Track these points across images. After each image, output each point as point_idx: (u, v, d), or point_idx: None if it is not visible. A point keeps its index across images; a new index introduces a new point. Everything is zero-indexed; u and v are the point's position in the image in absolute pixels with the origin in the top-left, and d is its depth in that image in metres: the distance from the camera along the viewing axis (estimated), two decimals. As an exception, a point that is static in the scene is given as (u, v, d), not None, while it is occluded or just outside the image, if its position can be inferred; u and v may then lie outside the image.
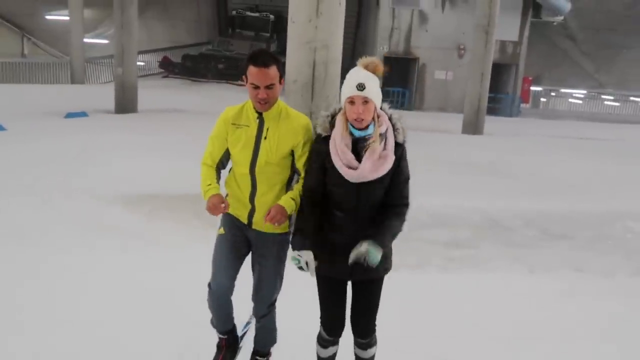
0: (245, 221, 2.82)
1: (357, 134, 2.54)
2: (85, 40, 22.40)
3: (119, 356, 3.20)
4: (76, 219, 5.46)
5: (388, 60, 22.09)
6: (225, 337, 3.04)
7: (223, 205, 2.67)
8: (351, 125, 2.54)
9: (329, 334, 2.79)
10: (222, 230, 2.92)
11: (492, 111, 18.80)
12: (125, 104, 13.47)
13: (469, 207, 6.52)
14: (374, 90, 2.50)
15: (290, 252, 2.70)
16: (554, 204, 7.28)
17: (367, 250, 2.47)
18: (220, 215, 2.84)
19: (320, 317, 2.80)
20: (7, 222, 5.29)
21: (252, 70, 2.62)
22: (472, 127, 14.41)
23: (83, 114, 12.55)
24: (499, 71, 21.23)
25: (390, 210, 2.60)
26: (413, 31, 22.17)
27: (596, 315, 4.11)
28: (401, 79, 22.37)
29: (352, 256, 2.50)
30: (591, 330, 3.87)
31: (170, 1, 27.07)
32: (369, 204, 2.58)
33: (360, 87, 2.47)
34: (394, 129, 2.59)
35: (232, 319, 3.02)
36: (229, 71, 23.04)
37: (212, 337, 3.06)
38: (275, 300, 2.92)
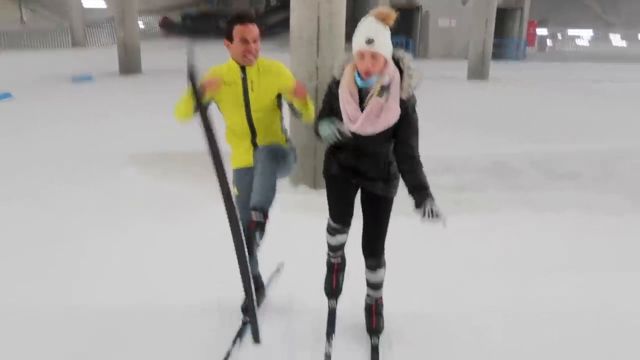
0: (251, 164, 2.98)
1: (360, 84, 2.59)
2: (84, 3, 22.18)
3: (148, 310, 3.37)
4: (93, 182, 5.61)
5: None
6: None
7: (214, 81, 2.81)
8: (357, 74, 2.60)
9: (336, 220, 2.88)
10: (236, 191, 3.11)
11: (497, 56, 18.60)
12: (130, 65, 13.48)
13: (475, 153, 6.63)
14: (383, 44, 2.51)
15: (321, 130, 2.70)
16: (559, 145, 7.37)
17: (433, 211, 2.46)
18: (232, 174, 3.02)
19: (329, 209, 2.90)
20: (25, 187, 5.43)
21: (239, 28, 2.87)
22: (478, 73, 14.33)
23: (89, 78, 12.59)
24: (504, 16, 20.89)
25: (405, 165, 2.62)
26: (415, -22, 21.75)
27: (602, 251, 4.23)
28: (405, 28, 22.06)
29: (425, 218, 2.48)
30: (598, 263, 4.03)
31: (167, -41, 26.57)
32: (369, 149, 2.70)
33: (369, 41, 2.49)
34: (402, 77, 2.59)
35: (256, 266, 3.24)
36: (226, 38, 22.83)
37: (238, 287, 3.24)
38: (267, 210, 2.83)
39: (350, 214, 2.87)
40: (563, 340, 3.02)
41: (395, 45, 2.64)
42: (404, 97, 2.57)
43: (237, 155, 3.11)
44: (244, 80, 2.97)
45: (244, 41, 2.87)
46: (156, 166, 6.13)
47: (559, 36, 29.12)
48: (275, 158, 2.93)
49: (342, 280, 3.13)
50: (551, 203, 5.21)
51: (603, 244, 4.37)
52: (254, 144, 3.04)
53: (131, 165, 6.14)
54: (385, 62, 2.56)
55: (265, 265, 3.42)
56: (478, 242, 4.38)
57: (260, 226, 2.71)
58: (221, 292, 3.35)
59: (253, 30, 2.89)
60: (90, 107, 8.92)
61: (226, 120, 3.09)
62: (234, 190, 3.12)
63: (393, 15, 2.53)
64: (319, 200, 5.13)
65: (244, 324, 3.19)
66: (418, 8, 21.96)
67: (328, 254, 3.10)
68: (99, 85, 11.69)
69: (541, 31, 26.98)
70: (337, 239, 2.97)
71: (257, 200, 2.75)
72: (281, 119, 3.15)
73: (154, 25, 24.95)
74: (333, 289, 3.11)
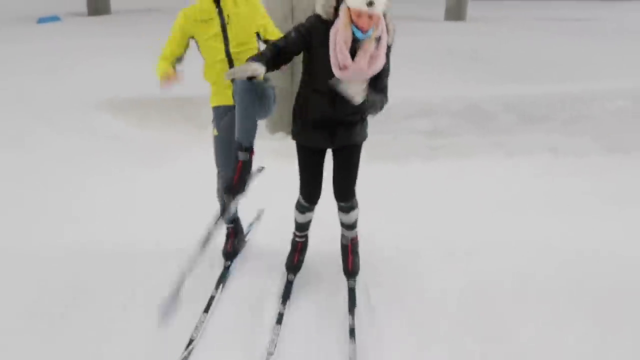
0: (231, 102, 3.00)
1: (360, 36, 2.61)
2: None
3: (132, 250, 3.46)
4: (68, 127, 5.56)
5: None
6: (232, 225, 3.39)
7: (173, 76, 2.90)
8: (354, 26, 2.60)
9: (306, 200, 3.03)
10: (215, 132, 3.16)
11: (476, -6, 18.28)
12: (98, 5, 12.98)
13: (451, 96, 6.67)
14: (382, 4, 2.54)
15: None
16: (533, 87, 7.43)
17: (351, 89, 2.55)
18: (212, 114, 3.13)
19: (300, 186, 3.03)
20: (4, 134, 5.36)
21: None
22: (455, 12, 14.13)
23: (56, 18, 12.11)
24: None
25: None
26: None
27: (566, 192, 4.43)
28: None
29: (337, 86, 2.58)
30: (562, 204, 4.21)
31: None
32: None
33: (370, 4, 2.51)
34: (387, 29, 2.68)
35: (236, 209, 3.31)
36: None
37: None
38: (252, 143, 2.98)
39: (319, 193, 3.01)
40: (532, 278, 3.20)
41: None
42: (389, 43, 2.68)
43: (216, 92, 3.11)
44: (220, 14, 2.94)
45: None
46: (131, 112, 6.06)
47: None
48: (255, 94, 2.88)
49: (303, 258, 3.29)
50: (523, 146, 5.35)
51: (569, 185, 4.55)
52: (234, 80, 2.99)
53: (106, 111, 6.06)
54: (379, 17, 2.62)
55: (244, 212, 3.50)
56: (453, 186, 4.52)
57: (247, 166, 2.83)
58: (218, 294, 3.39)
59: None
60: (58, 51, 8.64)
61: (205, 56, 3.07)
62: (213, 131, 3.19)
63: None
64: (278, 145, 5.17)
65: (226, 268, 3.30)
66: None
67: (294, 233, 3.25)
68: (67, 27, 11.27)
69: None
70: (305, 216, 3.12)
71: (239, 137, 2.82)
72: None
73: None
74: (294, 265, 3.26)
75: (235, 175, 2.84)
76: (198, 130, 5.54)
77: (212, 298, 3.04)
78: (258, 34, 3.03)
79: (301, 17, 5.27)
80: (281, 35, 2.84)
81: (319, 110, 2.79)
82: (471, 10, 14.40)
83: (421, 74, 8.01)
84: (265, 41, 3.04)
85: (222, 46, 2.96)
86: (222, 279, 3.22)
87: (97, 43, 9.15)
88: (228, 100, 3.05)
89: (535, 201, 4.28)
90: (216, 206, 3.17)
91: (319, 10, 2.67)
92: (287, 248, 3.30)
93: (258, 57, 2.64)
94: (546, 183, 4.64)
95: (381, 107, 2.76)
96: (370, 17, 2.56)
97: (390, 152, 5.20)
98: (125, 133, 5.47)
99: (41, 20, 11.87)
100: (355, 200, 3.04)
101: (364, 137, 2.92)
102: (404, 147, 5.41)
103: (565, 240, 3.63)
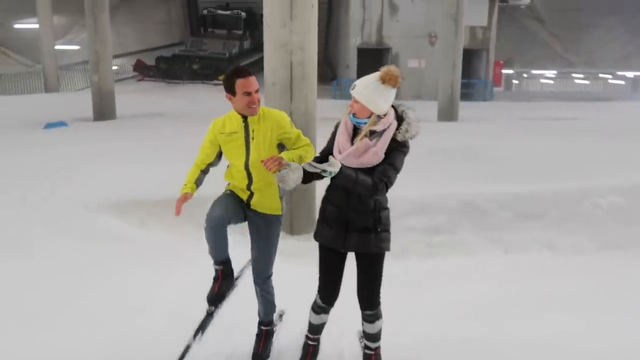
0: (245, 201, 3.26)
1: (354, 121, 2.89)
2: (56, 47, 22.24)
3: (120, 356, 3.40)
4: (70, 229, 5.61)
5: (361, 51, 22.37)
6: (221, 267, 3.27)
7: (180, 209, 3.21)
8: (353, 114, 2.88)
9: (323, 300, 3.09)
10: (227, 191, 3.34)
11: (466, 96, 19.16)
12: (104, 111, 13.53)
13: (446, 193, 6.81)
14: (361, 93, 2.81)
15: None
16: (526, 185, 7.60)
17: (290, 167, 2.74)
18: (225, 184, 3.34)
19: (318, 286, 3.10)
20: (6, 239, 5.41)
21: (241, 81, 3.08)
22: (447, 113, 14.74)
23: (63, 124, 12.57)
24: (470, 56, 21.62)
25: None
26: (384, 22, 22.46)
27: (565, 291, 4.43)
28: (375, 69, 22.51)
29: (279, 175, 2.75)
30: (561, 304, 4.19)
31: (139, 4, 26.94)
32: None
33: (352, 87, 2.84)
34: (399, 126, 2.85)
35: (226, 250, 3.24)
36: (203, 71, 23.10)
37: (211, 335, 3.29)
38: (271, 274, 3.35)
39: (336, 295, 3.08)
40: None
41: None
42: (399, 138, 2.83)
43: (234, 188, 3.31)
44: (246, 128, 3.15)
45: (247, 93, 3.07)
46: (133, 213, 6.15)
47: (525, 75, 30.18)
48: (272, 234, 3.25)
49: None
50: (520, 243, 5.41)
51: (569, 283, 4.55)
52: (249, 190, 3.22)
53: (108, 213, 6.15)
54: (375, 113, 2.81)
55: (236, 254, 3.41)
56: (452, 286, 4.52)
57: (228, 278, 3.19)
58: (195, 344, 3.35)
59: (254, 82, 3.10)
60: (63, 155, 8.91)
61: (229, 164, 3.30)
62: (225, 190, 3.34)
63: (395, 77, 2.82)
64: (298, 245, 5.24)
65: (209, 314, 3.26)
66: (388, 49, 22.61)
67: (306, 336, 3.27)
68: (73, 132, 11.69)
69: (507, 71, 27.94)
70: (320, 318, 3.16)
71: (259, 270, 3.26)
72: None
73: (128, 67, 25.10)
74: None
75: (215, 286, 3.14)
76: (198, 231, 5.60)
77: (187, 348, 2.93)
78: (283, 145, 3.21)
79: (301, 121, 5.53)
80: (309, 143, 3.17)
81: (334, 207, 2.94)
82: (462, 111, 15.03)
83: (416, 172, 8.21)
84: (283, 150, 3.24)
85: (243, 158, 3.15)
86: (202, 326, 3.15)
87: (101, 147, 9.44)
88: (241, 197, 3.26)
89: (535, 300, 4.27)
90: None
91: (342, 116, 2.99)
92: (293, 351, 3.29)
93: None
94: (545, 281, 4.64)
95: (356, 184, 2.74)
96: (355, 101, 2.83)
97: (392, 249, 5.23)
98: (127, 235, 5.51)
99: (48, 126, 12.31)
100: (380, 311, 3.07)
101: (381, 248, 2.95)
102: (401, 244, 5.44)
103: (570, 339, 3.59)
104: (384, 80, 2.81)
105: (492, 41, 23.01)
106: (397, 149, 2.83)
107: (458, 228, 5.84)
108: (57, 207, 6.30)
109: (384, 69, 2.85)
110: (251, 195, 3.24)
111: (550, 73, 28.91)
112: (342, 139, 2.88)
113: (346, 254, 3.01)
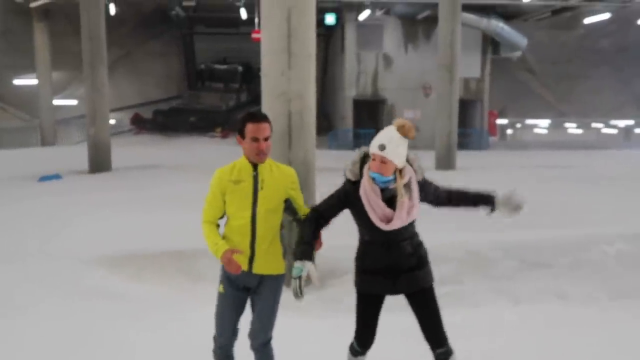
0: (245, 268, 3.01)
1: (380, 182, 2.85)
2: (54, 102, 22.42)
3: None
4: (60, 285, 5.38)
5: (357, 103, 22.59)
6: None
7: (238, 264, 2.95)
8: (372, 173, 2.85)
9: (360, 345, 3.09)
10: (221, 289, 3.10)
11: (462, 146, 19.22)
12: (99, 163, 13.43)
13: (451, 242, 6.63)
14: (393, 152, 2.81)
15: (294, 264, 2.93)
16: (530, 232, 7.43)
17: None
18: (221, 269, 3.08)
19: (355, 331, 3.09)
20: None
21: (251, 126, 2.96)
22: (445, 162, 14.72)
23: (57, 177, 12.44)
24: (465, 107, 21.84)
25: (452, 196, 3.18)
26: (379, 73, 22.78)
27: (581, 345, 4.20)
28: (371, 120, 22.83)
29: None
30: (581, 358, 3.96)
31: (138, 58, 27.39)
32: (398, 237, 2.94)
33: (381, 147, 2.79)
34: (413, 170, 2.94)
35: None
36: (200, 124, 23.24)
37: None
38: (271, 338, 3.13)
39: (373, 339, 3.10)
40: None
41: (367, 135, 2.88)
42: (419, 179, 2.98)
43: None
44: (255, 178, 2.99)
45: (255, 139, 2.94)
46: (125, 267, 5.93)
47: (519, 125, 30.51)
48: (275, 295, 3.10)
49: None
50: (528, 294, 5.20)
51: (581, 337, 4.33)
52: (252, 248, 2.99)
53: (100, 267, 5.93)
54: (399, 168, 2.86)
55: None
56: (461, 339, 4.27)
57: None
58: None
59: (265, 127, 2.97)
60: (55, 207, 8.74)
61: (229, 217, 3.07)
62: (219, 288, 3.11)
63: (412, 129, 2.86)
64: (291, 298, 5.00)
65: None
66: (384, 101, 22.87)
67: None
68: (67, 184, 11.54)
69: (501, 121, 28.25)
70: None
71: (258, 333, 3.06)
72: (281, 225, 3.13)
73: (126, 121, 25.24)
74: None
75: None
76: (193, 284, 5.40)
77: None
78: (289, 201, 3.11)
79: (299, 170, 5.40)
80: (306, 210, 3.11)
81: (376, 259, 2.96)
82: (459, 160, 15.02)
83: (419, 221, 8.08)
84: (288, 208, 3.12)
85: (249, 210, 2.98)
86: None
87: (94, 199, 9.29)
88: (242, 265, 3.00)
89: (551, 355, 4.03)
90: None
91: (348, 174, 2.95)
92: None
93: (306, 247, 2.92)
94: (559, 334, 4.41)
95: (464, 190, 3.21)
96: (383, 161, 2.79)
97: (390, 300, 5.02)
98: (119, 291, 5.28)
99: (42, 179, 12.17)
100: (450, 346, 3.03)
101: (429, 280, 3.04)
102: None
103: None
104: (403, 133, 2.84)
105: (485, 92, 23.31)
106: (425, 181, 3.02)
107: (463, 278, 5.64)
108: (45, 261, 6.08)
109: (398, 122, 2.88)
110: (252, 256, 3.01)
111: (544, 123, 29.21)
112: (379, 209, 2.86)
113: (384, 297, 3.04)
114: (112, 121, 24.54)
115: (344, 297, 5.18)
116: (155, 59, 27.56)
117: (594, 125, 29.54)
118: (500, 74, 25.58)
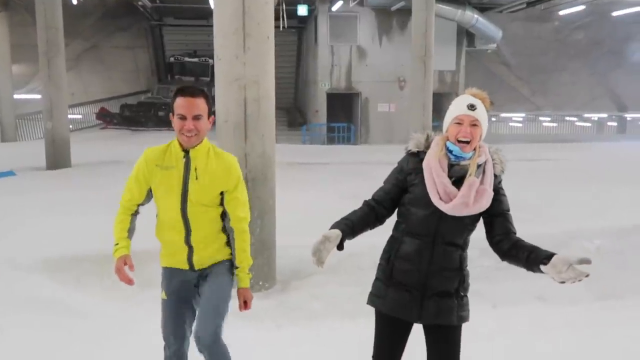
0: (185, 266, 2.59)
1: (455, 154, 2.31)
2: (17, 96, 21.52)
3: None
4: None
5: (331, 96, 22.16)
6: None
7: (129, 277, 2.50)
8: (451, 145, 2.32)
9: None
10: (164, 295, 2.67)
11: (437, 140, 18.97)
12: (57, 159, 12.74)
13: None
14: (484, 114, 2.33)
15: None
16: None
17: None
18: (161, 274, 2.69)
19: (373, 355, 2.52)
20: None
21: (179, 101, 2.49)
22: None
23: (10, 173, 11.76)
24: (440, 100, 21.56)
25: (508, 240, 2.48)
26: (353, 66, 22.38)
27: (566, 347, 3.92)
28: (345, 114, 22.45)
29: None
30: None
31: (105, 52, 26.52)
32: (448, 235, 2.34)
33: (472, 107, 2.29)
34: (492, 161, 2.41)
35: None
36: (169, 118, 22.57)
37: None
38: (220, 333, 2.55)
39: None
40: None
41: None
42: (497, 172, 2.44)
43: (167, 253, 2.63)
44: (187, 165, 2.50)
45: (182, 117, 2.48)
46: (68, 272, 5.40)
47: (494, 119, 30.46)
48: (223, 279, 2.60)
49: None
50: (508, 296, 4.85)
51: (565, 339, 4.01)
52: (188, 244, 2.53)
53: (40, 273, 5.39)
54: (481, 138, 2.35)
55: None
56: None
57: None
58: None
59: (194, 103, 2.47)
60: (4, 206, 8.11)
61: (158, 209, 2.61)
62: (161, 294, 2.67)
63: (488, 99, 2.38)
64: (265, 305, 4.55)
65: None
66: (357, 94, 22.48)
67: None
68: (20, 182, 10.86)
69: (476, 114, 28.16)
70: None
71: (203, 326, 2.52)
72: (225, 218, 2.62)
73: (91, 115, 24.42)
74: None
75: None
76: (141, 290, 4.89)
77: None
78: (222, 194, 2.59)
79: (257, 163, 4.93)
80: (242, 222, 2.58)
81: (410, 261, 2.34)
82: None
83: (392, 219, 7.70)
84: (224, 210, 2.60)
85: (177, 202, 2.50)
86: None
87: (46, 197, 8.68)
88: (180, 264, 2.59)
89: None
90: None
91: (411, 145, 2.43)
92: None
93: (342, 221, 2.40)
94: (541, 337, 4.07)
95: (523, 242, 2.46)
96: (473, 124, 2.29)
97: (359, 307, 4.60)
98: (55, 298, 4.75)
99: (-7, 176, 11.48)
100: None
101: (463, 317, 2.44)
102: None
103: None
104: (481, 98, 2.38)
105: (460, 85, 23.09)
106: (501, 187, 2.45)
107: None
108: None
109: (472, 90, 2.40)
110: (191, 252, 2.56)
111: (519, 116, 29.19)
112: (441, 183, 2.29)
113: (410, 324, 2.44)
114: (77, 116, 23.85)
115: (307, 303, 4.75)
116: (122, 52, 26.71)
117: (568, 118, 29.62)
118: (475, 67, 25.41)
